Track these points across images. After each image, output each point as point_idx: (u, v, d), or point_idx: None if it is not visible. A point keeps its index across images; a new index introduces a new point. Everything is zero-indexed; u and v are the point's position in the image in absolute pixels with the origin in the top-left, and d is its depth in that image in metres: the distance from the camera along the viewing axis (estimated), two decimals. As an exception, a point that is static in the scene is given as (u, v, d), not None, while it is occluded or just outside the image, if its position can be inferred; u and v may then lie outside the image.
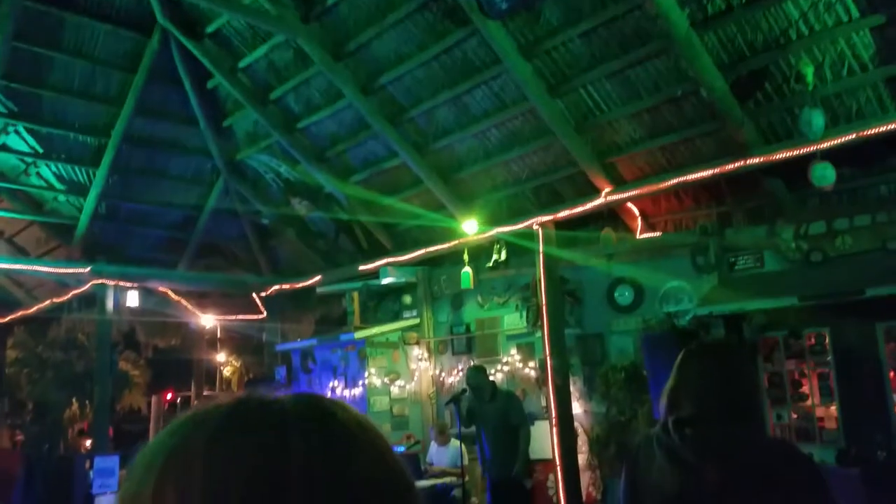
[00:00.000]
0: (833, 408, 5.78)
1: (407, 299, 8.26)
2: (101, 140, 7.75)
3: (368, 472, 0.43)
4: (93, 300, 8.32)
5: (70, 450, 10.23)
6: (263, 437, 0.41)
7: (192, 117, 7.91)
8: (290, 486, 0.39)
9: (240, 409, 0.43)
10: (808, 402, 5.92)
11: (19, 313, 9.68)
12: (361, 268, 8.09)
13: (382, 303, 8.56)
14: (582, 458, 6.68)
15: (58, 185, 8.18)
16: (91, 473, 6.69)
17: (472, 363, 7.07)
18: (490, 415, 5.43)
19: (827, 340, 5.81)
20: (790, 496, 1.47)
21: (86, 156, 7.93)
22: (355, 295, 8.29)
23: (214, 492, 0.38)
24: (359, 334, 7.79)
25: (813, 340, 5.94)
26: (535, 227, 6.66)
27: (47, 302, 9.16)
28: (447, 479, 6.47)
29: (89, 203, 8.03)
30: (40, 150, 7.83)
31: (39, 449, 9.72)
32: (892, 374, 5.50)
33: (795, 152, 5.24)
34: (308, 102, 7.32)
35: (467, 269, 7.31)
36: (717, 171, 5.64)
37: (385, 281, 7.92)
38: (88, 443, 9.87)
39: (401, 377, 8.00)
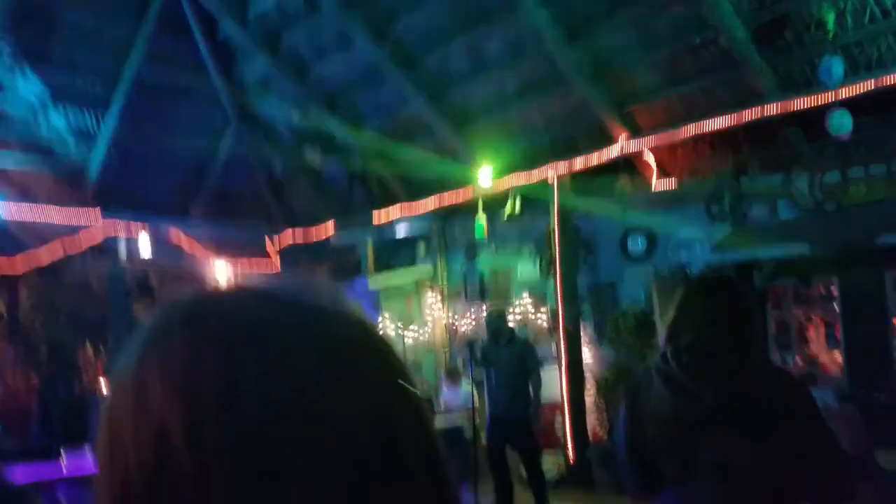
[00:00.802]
0: (837, 353, 6.11)
1: (421, 249, 8.51)
2: (110, 87, 7.86)
3: (353, 352, 0.43)
4: (105, 247, 8.59)
5: (86, 392, 10.70)
6: (239, 312, 0.42)
7: (202, 64, 7.98)
8: (268, 360, 0.40)
9: (221, 289, 0.46)
10: (814, 348, 6.24)
11: (32, 261, 9.97)
12: (375, 217, 8.31)
13: (396, 252, 8.81)
14: (589, 401, 7.07)
15: (67, 132, 8.33)
16: None
17: (486, 309, 7.36)
18: (506, 358, 5.67)
19: (835, 289, 6.09)
20: (786, 422, 1.54)
21: (96, 102, 8.05)
22: (369, 244, 8.53)
23: (192, 364, 0.39)
24: (373, 280, 8.08)
25: (822, 289, 6.23)
26: (550, 177, 6.85)
27: (60, 249, 9.43)
28: (458, 419, 6.86)
29: (99, 150, 8.20)
30: (49, 96, 7.94)
31: (55, 390, 10.17)
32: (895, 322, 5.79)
33: (814, 101, 5.38)
34: (319, 49, 7.38)
35: (481, 219, 7.53)
36: (734, 119, 5.79)
37: (398, 230, 8.15)
38: (104, 386, 10.32)
39: (414, 324, 8.34)
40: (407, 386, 0.44)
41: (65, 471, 4.52)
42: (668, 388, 1.60)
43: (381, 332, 0.48)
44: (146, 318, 0.45)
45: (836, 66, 5.11)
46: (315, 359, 0.41)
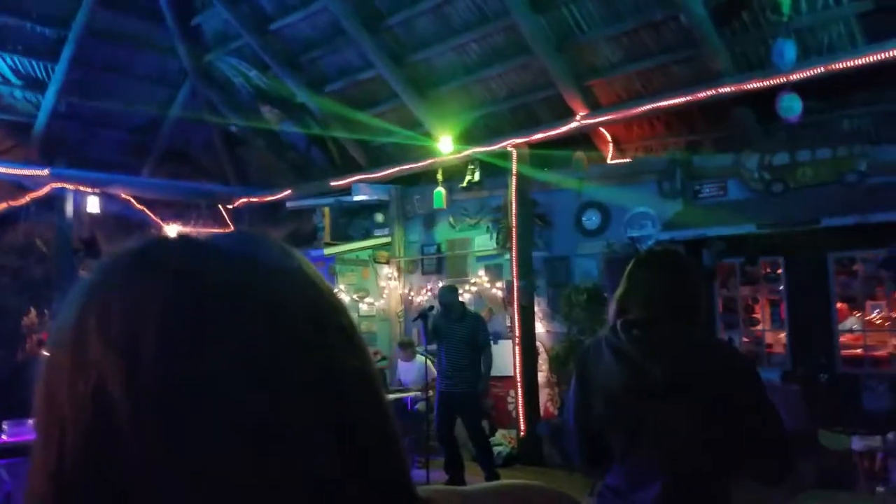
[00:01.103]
0: (782, 334, 6.34)
1: (379, 217, 8.51)
2: (60, 32, 7.62)
3: (291, 293, 0.43)
4: (51, 204, 8.36)
5: (29, 357, 10.43)
6: (179, 262, 0.42)
7: (158, 12, 7.80)
8: (204, 307, 0.40)
9: (154, 240, 0.45)
10: (759, 327, 6.47)
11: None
12: (333, 183, 8.28)
13: (354, 220, 8.79)
14: (542, 377, 7.20)
15: (14, 80, 8.06)
16: None
17: (441, 283, 7.42)
18: (457, 333, 5.78)
19: (781, 268, 6.32)
20: (729, 392, 1.58)
21: (44, 48, 7.80)
22: (326, 211, 8.49)
23: (130, 316, 0.40)
24: (329, 251, 8.05)
25: (768, 268, 6.45)
26: (509, 148, 6.93)
27: (3, 204, 9.15)
28: (412, 393, 6.91)
29: (47, 100, 7.96)
30: (-4, 41, 7.68)
31: (-4, 355, 9.90)
32: (838, 303, 6.04)
33: (766, 82, 5.56)
34: (282, 2, 7.29)
35: (440, 189, 7.57)
36: (689, 98, 5.95)
37: (357, 198, 8.13)
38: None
39: (370, 295, 8.35)
40: (355, 343, 0.45)
41: (4, 439, 4.43)
42: (617, 360, 1.63)
43: (332, 292, 0.47)
44: (84, 274, 0.45)
45: (789, 49, 5.27)
46: (254, 312, 0.41)
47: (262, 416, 0.39)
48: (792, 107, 5.43)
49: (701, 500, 1.59)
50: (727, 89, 5.75)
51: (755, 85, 5.66)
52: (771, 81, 5.51)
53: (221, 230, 0.47)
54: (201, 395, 0.39)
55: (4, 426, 4.59)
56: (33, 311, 10.92)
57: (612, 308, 1.76)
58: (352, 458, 0.41)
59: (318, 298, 0.45)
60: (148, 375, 0.38)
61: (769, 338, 6.46)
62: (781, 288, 6.32)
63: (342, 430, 0.41)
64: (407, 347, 7.19)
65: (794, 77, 5.40)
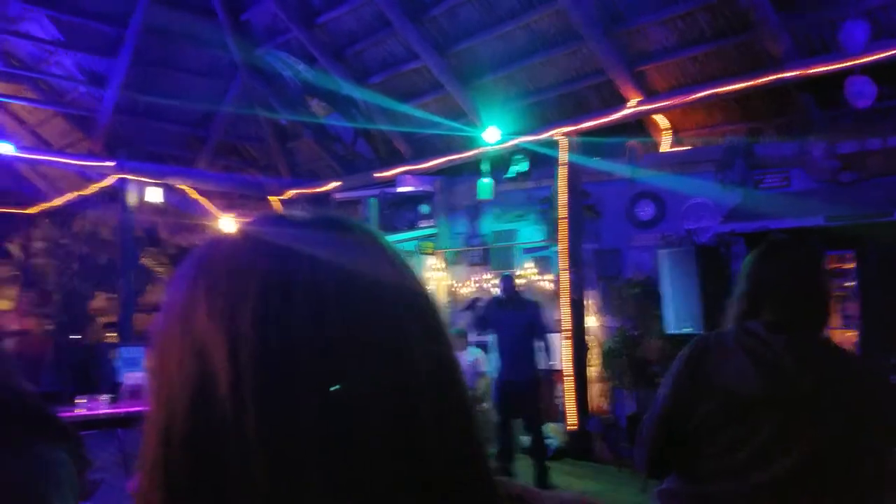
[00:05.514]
0: (851, 333, 6.11)
1: (424, 208, 8.66)
2: (119, 30, 8.11)
3: (379, 274, 0.47)
4: (115, 195, 8.93)
5: (96, 340, 11.25)
6: (278, 243, 0.47)
7: (210, 8, 8.16)
8: (298, 287, 0.44)
9: (254, 224, 0.51)
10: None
11: (44, 204, 10.45)
12: (378, 175, 8.48)
13: (399, 211, 8.98)
14: (593, 371, 7.21)
15: (78, 76, 8.63)
16: (117, 362, 7.37)
17: (486, 275, 7.52)
18: (516, 322, 5.76)
19: (850, 263, 6.08)
20: (873, 408, 1.49)
21: (105, 46, 8.31)
22: (373, 202, 8.71)
23: (234, 294, 0.44)
24: (375, 241, 8.24)
25: (836, 263, 6.22)
26: (557, 136, 6.91)
27: (71, 194, 9.85)
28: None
29: (109, 95, 8.49)
30: (61, 39, 8.23)
31: (67, 337, 10.72)
32: (914, 300, 5.76)
33: (834, 66, 5.33)
34: (328, -4, 7.49)
35: (486, 180, 7.63)
36: (749, 84, 5.77)
37: (402, 189, 8.30)
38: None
39: (416, 285, 8.51)
40: (441, 335, 0.48)
41: (79, 412, 4.84)
42: (755, 364, 1.50)
43: (427, 289, 0.51)
44: (193, 252, 0.50)
45: (859, 30, 5.04)
46: (346, 300, 0.45)
47: (343, 396, 0.43)
48: (863, 92, 5.19)
49: None
50: (790, 75, 5.55)
51: (821, 69, 5.43)
52: (839, 65, 5.28)
53: (304, 214, 0.52)
54: (290, 367, 0.43)
55: (79, 401, 5.07)
56: (100, 296, 11.78)
57: (736, 305, 1.63)
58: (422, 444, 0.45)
59: (404, 283, 0.49)
60: (246, 347, 0.43)
61: (837, 337, 6.24)
62: (851, 284, 6.08)
63: (417, 423, 0.45)
64: (460, 338, 7.32)
65: (865, 60, 5.16)
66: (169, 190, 9.08)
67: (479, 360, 6.74)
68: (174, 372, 0.45)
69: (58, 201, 10.18)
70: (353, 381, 0.43)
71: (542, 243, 7.63)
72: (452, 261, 8.49)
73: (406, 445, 0.44)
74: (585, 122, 6.79)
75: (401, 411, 0.44)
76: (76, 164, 8.90)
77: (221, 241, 0.49)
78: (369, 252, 0.49)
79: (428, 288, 0.51)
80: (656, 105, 6.45)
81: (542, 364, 5.82)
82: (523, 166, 7.36)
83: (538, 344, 5.78)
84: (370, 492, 0.43)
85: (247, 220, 0.51)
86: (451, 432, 0.46)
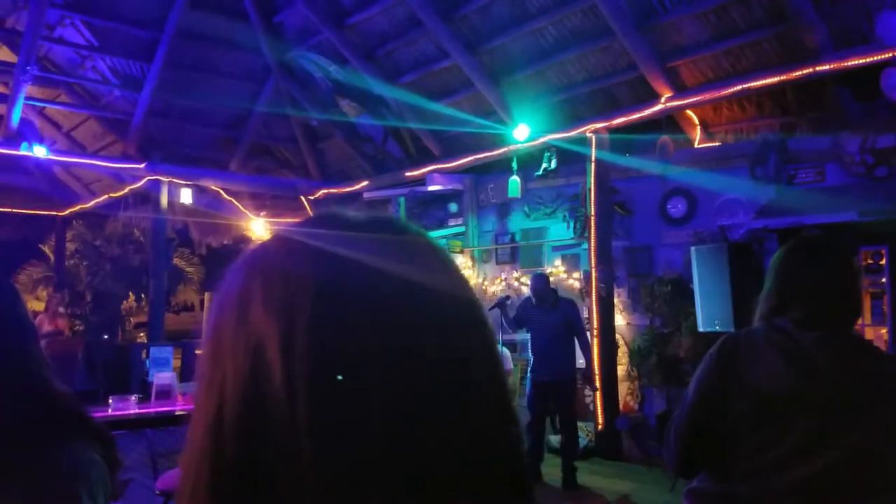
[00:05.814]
0: (884, 330, 6.06)
1: (453, 207, 8.73)
2: (154, 34, 8.29)
3: (433, 281, 0.47)
4: (147, 197, 9.12)
5: (127, 340, 11.46)
6: (334, 247, 0.47)
7: (243, 11, 8.32)
8: (354, 282, 0.45)
9: (312, 217, 0.52)
10: (859, 322, 6.20)
11: (77, 206, 10.68)
12: (408, 174, 8.56)
13: (428, 210, 9.06)
14: (621, 370, 7.20)
15: (113, 80, 8.83)
16: (147, 362, 7.49)
17: (515, 273, 7.55)
18: (550, 321, 5.75)
19: (884, 259, 6.03)
20: None
21: (140, 50, 8.50)
22: (402, 201, 8.80)
23: (290, 289, 0.45)
24: (404, 238, 8.31)
25: (870, 259, 6.17)
26: (588, 133, 6.94)
27: (104, 196, 10.06)
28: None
29: (143, 98, 8.67)
30: (96, 44, 8.43)
31: (99, 337, 10.93)
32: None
33: (869, 59, 5.31)
34: (359, -3, 7.61)
35: (515, 178, 7.67)
36: (783, 77, 5.76)
37: (431, 188, 8.38)
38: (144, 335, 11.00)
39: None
40: (493, 346, 0.49)
41: (110, 412, 4.93)
42: (787, 363, 1.49)
43: (478, 298, 0.51)
44: (250, 250, 0.51)
45: (896, 20, 5.03)
46: (390, 298, 0.45)
47: (391, 399, 0.43)
48: (900, 84, 5.18)
49: None
50: (825, 67, 5.53)
51: (857, 62, 5.41)
52: (875, 57, 5.26)
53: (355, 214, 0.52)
54: (343, 365, 0.43)
55: (110, 401, 5.17)
56: (132, 297, 12.00)
57: (765, 302, 1.63)
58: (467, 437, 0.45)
59: (459, 292, 0.49)
60: (300, 341, 0.43)
61: (869, 333, 6.17)
62: (884, 280, 6.03)
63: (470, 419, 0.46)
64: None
65: (902, 51, 5.13)
66: (200, 191, 9.24)
67: (506, 358, 6.77)
68: (228, 362, 0.46)
69: (91, 203, 10.40)
70: (404, 388, 0.44)
71: (572, 241, 7.65)
72: (481, 259, 8.54)
73: (457, 451, 0.45)
74: (617, 118, 6.81)
75: (454, 418, 0.45)
76: (109, 167, 9.09)
77: (277, 241, 0.50)
78: (425, 259, 0.50)
79: (478, 295, 0.53)
80: (688, 100, 6.45)
81: (584, 361, 5.80)
82: (553, 163, 7.39)
83: (578, 342, 5.77)
84: (422, 496, 0.43)
85: (302, 219, 0.52)
86: (499, 444, 0.47)
